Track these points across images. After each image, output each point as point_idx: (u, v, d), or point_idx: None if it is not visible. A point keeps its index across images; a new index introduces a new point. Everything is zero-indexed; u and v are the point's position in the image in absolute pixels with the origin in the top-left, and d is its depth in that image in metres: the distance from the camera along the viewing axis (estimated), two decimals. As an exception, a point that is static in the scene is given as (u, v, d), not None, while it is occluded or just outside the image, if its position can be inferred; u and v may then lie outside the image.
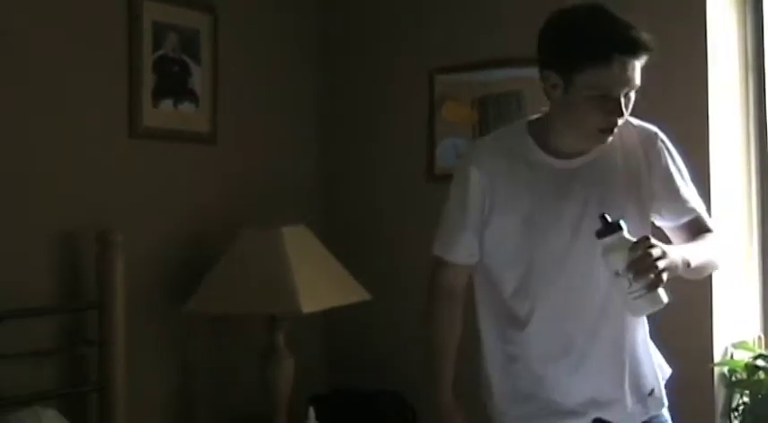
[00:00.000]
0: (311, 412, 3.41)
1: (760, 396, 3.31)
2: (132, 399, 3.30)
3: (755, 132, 3.61)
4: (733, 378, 3.40)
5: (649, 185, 2.43)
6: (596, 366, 2.42)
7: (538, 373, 2.45)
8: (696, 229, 2.48)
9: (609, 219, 2.22)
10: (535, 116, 2.50)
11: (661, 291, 2.20)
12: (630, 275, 2.16)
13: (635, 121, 2.46)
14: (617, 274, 2.19)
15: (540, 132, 2.44)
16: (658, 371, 2.52)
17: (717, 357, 3.39)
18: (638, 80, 2.28)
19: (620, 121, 2.32)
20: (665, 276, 2.17)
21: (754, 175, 3.60)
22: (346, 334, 4.20)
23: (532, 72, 3.50)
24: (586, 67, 2.24)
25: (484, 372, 2.56)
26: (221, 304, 3.51)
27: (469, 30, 3.94)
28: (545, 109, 2.46)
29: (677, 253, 2.26)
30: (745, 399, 3.36)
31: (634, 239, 2.19)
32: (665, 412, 2.53)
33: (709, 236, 2.46)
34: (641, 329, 2.48)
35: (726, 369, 3.40)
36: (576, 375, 2.42)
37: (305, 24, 4.28)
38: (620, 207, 2.35)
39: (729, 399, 3.41)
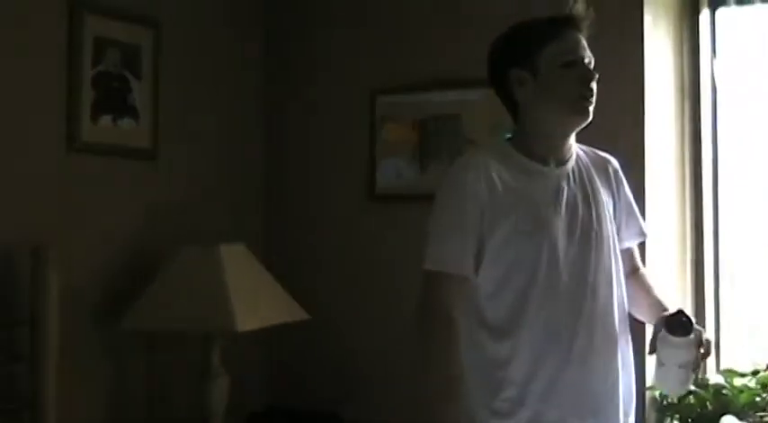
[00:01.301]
0: (246, 431, 3.42)
1: (690, 420, 3.35)
2: (64, 417, 3.26)
3: (690, 159, 3.67)
4: (664, 402, 3.43)
5: (619, 204, 2.54)
6: (597, 367, 2.38)
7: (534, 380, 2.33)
8: (634, 259, 2.63)
9: (686, 317, 2.35)
10: (505, 137, 2.50)
11: None
12: (692, 368, 2.35)
13: (598, 151, 2.58)
14: (679, 366, 2.35)
15: (520, 145, 2.44)
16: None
17: (648, 381, 3.42)
18: (590, 53, 2.42)
19: (594, 88, 2.38)
20: None
21: (688, 190, 3.67)
22: (285, 353, 4.19)
23: (472, 94, 3.64)
24: (545, 43, 2.37)
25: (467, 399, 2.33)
26: (157, 321, 3.48)
27: (411, 51, 3.97)
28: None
29: None
30: None
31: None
32: None
33: (650, 280, 2.64)
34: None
35: (657, 393, 3.44)
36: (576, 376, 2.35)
37: (249, 42, 4.28)
38: (607, 218, 2.45)
39: (660, 423, 3.45)
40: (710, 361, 3.57)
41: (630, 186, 3.39)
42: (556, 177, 2.41)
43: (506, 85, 2.43)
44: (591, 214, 2.41)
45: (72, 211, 3.48)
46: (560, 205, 2.37)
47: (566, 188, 2.40)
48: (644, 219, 3.22)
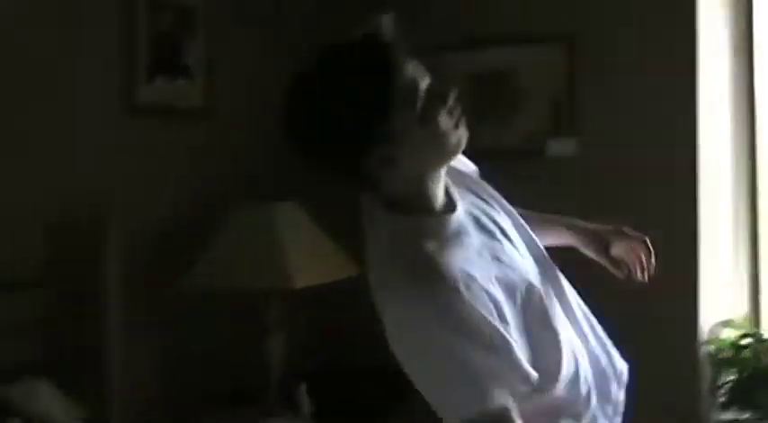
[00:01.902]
0: (302, 388, 3.45)
1: (745, 374, 3.36)
2: (126, 376, 3.31)
3: (745, 116, 3.65)
4: (719, 356, 3.44)
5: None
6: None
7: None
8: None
9: None
10: (376, 212, 2.00)
11: None
12: None
13: None
14: None
15: (411, 210, 1.91)
16: None
17: (704, 336, 3.43)
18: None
19: (458, 112, 1.81)
20: None
21: (743, 155, 3.64)
22: (339, 309, 4.21)
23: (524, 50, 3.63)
24: (392, 102, 1.77)
25: None
26: (214, 280, 3.51)
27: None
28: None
29: None
30: (731, 376, 3.41)
31: None
32: None
33: None
34: None
35: (713, 347, 3.45)
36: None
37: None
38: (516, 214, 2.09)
39: (716, 377, 3.45)
40: (765, 316, 3.58)
41: (683, 147, 3.41)
42: (469, 216, 1.94)
43: (360, 166, 1.86)
44: (512, 224, 2.03)
45: (131, 171, 3.52)
46: (500, 241, 1.94)
47: (485, 218, 1.97)
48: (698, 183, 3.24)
